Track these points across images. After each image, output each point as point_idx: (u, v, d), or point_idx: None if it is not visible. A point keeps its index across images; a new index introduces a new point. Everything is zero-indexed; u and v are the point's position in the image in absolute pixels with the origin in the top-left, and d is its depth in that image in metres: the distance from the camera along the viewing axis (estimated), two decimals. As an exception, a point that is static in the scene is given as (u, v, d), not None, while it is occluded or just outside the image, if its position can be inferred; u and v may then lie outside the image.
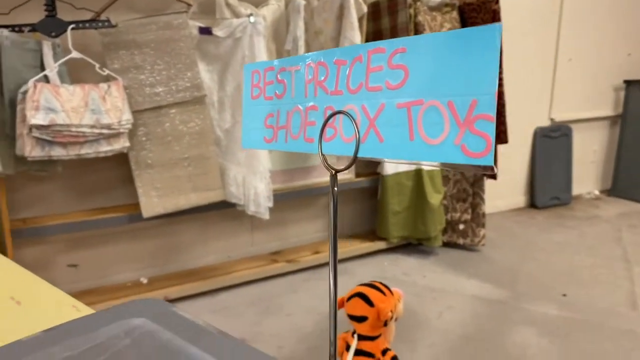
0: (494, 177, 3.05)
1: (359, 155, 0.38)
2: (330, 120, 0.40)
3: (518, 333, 2.14)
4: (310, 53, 0.43)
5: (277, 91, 0.45)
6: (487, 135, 0.32)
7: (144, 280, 2.58)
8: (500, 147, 3.04)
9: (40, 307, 0.73)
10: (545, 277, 2.73)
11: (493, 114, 0.31)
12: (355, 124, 0.38)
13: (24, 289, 0.80)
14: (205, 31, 2.39)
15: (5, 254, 2.19)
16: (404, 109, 0.35)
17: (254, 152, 2.44)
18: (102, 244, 2.55)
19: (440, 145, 0.34)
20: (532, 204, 4.13)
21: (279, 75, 0.44)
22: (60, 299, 0.75)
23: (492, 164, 0.32)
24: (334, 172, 0.40)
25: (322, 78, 0.40)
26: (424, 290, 2.58)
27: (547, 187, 4.12)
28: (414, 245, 3.18)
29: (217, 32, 2.40)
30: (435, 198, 2.97)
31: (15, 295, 0.73)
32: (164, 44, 2.27)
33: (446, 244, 3.16)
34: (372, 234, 3.20)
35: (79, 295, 2.39)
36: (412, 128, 0.35)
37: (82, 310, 0.74)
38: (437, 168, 2.99)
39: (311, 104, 0.41)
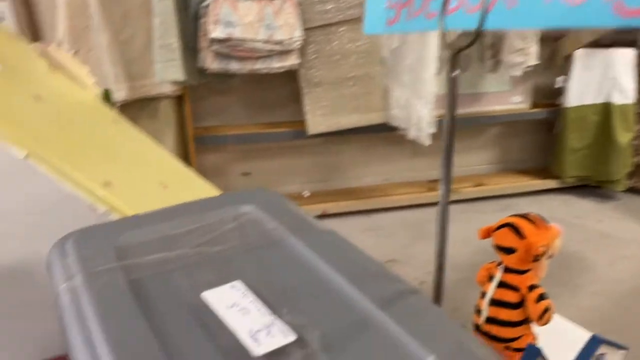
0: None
1: (485, 27, 0.32)
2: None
3: None
4: None
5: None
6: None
7: (306, 194, 2.72)
8: None
9: (183, 192, 0.80)
10: None
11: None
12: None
13: (172, 176, 0.87)
14: (379, -56, 2.30)
15: (188, 158, 2.45)
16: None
17: (419, 74, 2.35)
18: (271, 156, 2.72)
19: (584, 5, 0.27)
20: None
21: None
22: (203, 187, 0.81)
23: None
24: (456, 50, 0.35)
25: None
26: (597, 235, 2.35)
27: None
28: (591, 187, 2.87)
29: (392, -55, 2.29)
30: (624, 137, 2.62)
31: (163, 180, 0.80)
32: (337, -41, 2.24)
33: (630, 190, 2.80)
34: (544, 171, 2.95)
35: (248, 201, 2.60)
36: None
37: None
38: (630, 102, 2.61)
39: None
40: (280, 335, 0.46)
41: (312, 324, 0.47)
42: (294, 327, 0.47)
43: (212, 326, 0.47)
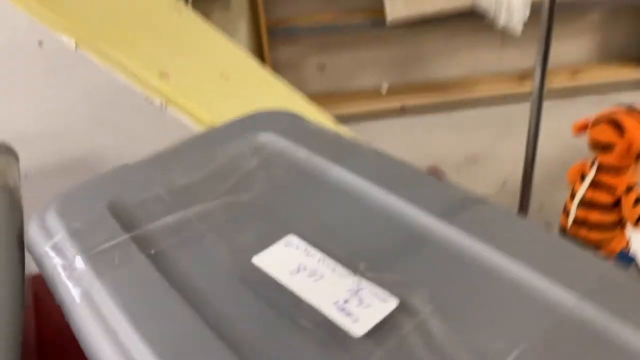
0: None
1: None
2: None
3: None
4: None
5: None
6: None
7: (384, 88, 2.61)
8: None
9: (246, 85, 0.75)
10: None
11: None
12: None
13: (235, 67, 0.82)
14: None
15: (261, 52, 2.39)
16: None
17: (514, -50, 2.09)
18: (347, 48, 2.60)
19: None
20: None
21: None
22: (269, 80, 0.75)
23: None
24: None
25: None
26: None
27: None
28: None
29: None
30: None
31: (224, 70, 0.75)
32: None
33: None
34: (652, 61, 2.65)
35: (324, 97, 2.54)
36: None
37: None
38: None
39: None
40: (377, 302, 0.33)
41: (407, 279, 0.34)
42: (387, 286, 0.34)
43: (280, 303, 0.34)
